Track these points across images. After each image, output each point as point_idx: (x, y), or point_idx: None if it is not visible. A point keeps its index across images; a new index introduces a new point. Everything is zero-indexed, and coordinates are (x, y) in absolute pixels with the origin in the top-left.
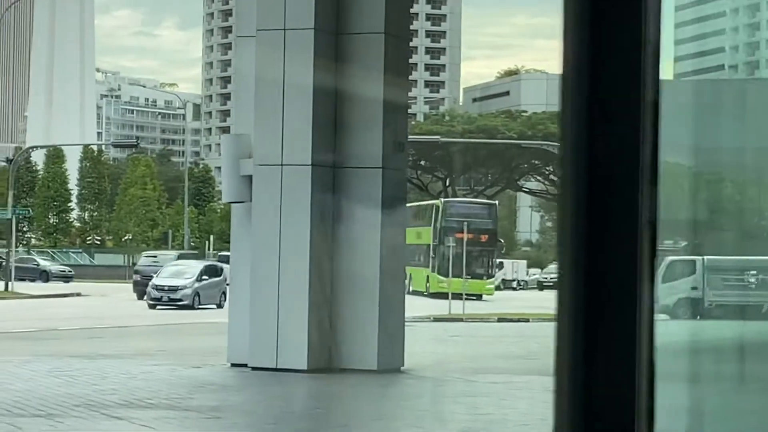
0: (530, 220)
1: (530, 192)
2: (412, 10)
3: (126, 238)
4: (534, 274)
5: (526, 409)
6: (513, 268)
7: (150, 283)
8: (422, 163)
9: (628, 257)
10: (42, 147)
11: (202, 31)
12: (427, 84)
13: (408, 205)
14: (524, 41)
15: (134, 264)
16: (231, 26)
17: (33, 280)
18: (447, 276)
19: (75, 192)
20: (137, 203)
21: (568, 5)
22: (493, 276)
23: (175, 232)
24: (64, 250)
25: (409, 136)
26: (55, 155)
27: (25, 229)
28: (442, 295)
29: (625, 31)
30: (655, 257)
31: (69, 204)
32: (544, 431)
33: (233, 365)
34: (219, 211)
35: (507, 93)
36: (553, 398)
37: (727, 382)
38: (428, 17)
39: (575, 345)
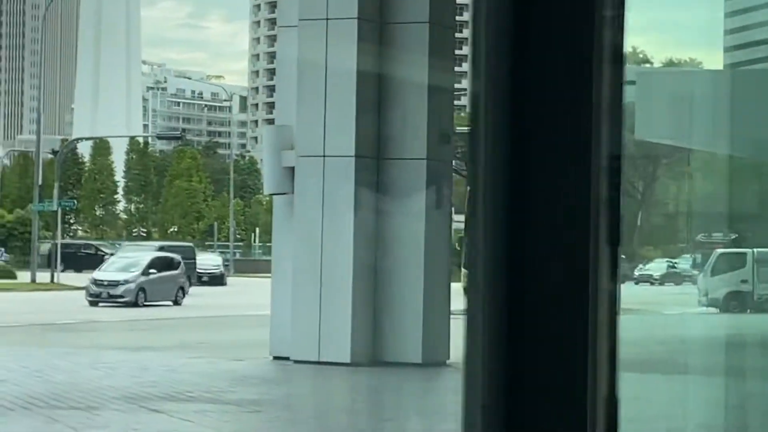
0: None
1: None
2: (460, 1)
3: (171, 230)
4: None
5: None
6: None
7: (90, 277)
8: None
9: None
10: (88, 139)
11: (249, 22)
12: None
13: None
14: None
15: None
16: (277, 18)
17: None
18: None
19: (121, 184)
20: (183, 195)
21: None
22: None
23: (221, 225)
24: (111, 242)
25: (457, 128)
26: (102, 147)
27: (71, 221)
28: None
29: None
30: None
31: (115, 196)
32: None
33: (275, 358)
34: (264, 203)
35: None
36: (463, 402)
37: None
38: None
39: (499, 345)
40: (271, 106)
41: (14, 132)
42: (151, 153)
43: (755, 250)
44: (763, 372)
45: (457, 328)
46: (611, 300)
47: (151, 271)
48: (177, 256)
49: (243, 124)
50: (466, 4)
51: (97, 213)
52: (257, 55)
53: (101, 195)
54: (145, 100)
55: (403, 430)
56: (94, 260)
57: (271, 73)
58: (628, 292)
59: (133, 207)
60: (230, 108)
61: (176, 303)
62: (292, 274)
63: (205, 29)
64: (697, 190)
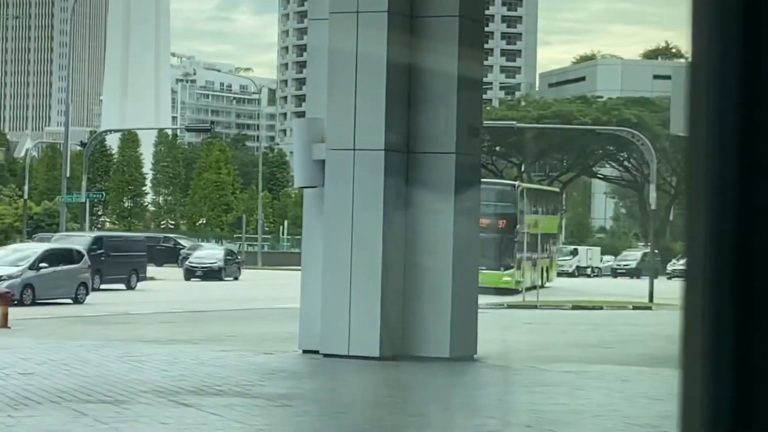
0: (604, 206)
1: (605, 178)
2: None
3: (200, 222)
4: (608, 261)
5: (600, 399)
6: (587, 255)
7: None
8: (497, 148)
9: None
10: (116, 131)
11: (278, 15)
12: (502, 69)
13: None
14: (601, 26)
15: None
16: (307, 10)
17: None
18: None
19: (149, 176)
20: (211, 188)
21: None
22: (512, 267)
23: (249, 217)
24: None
25: (484, 122)
26: (130, 139)
27: (99, 212)
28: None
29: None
30: None
31: (143, 188)
32: (619, 422)
33: (305, 352)
34: (293, 196)
35: (583, 78)
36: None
37: None
38: (504, 2)
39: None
40: (299, 98)
41: (43, 124)
42: (179, 145)
43: None
44: None
45: (486, 323)
46: None
47: (42, 265)
48: (80, 248)
49: (271, 116)
50: None
51: (125, 205)
52: (286, 48)
53: (129, 187)
54: (173, 92)
55: (432, 425)
56: (173, 253)
57: (300, 65)
58: (662, 287)
59: (161, 199)
60: (259, 100)
61: (77, 301)
62: (321, 268)
63: (234, 21)
64: None
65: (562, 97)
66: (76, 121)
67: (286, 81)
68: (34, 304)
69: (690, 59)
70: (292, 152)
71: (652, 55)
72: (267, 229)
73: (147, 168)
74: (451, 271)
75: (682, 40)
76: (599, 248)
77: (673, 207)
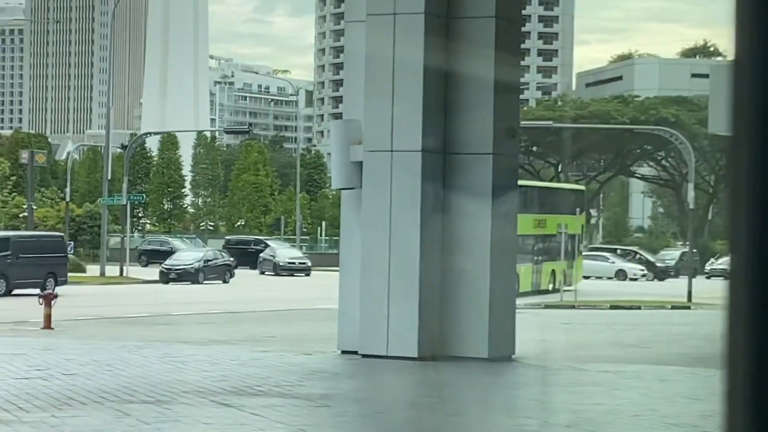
0: (642, 206)
1: (642, 177)
2: None
3: (239, 223)
4: None
5: (638, 399)
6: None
7: None
8: (534, 148)
9: None
10: (156, 133)
11: (315, 17)
12: (539, 69)
13: None
14: (638, 25)
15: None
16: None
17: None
18: None
19: (189, 178)
20: (250, 189)
21: None
22: None
23: (287, 218)
24: (178, 235)
25: (521, 122)
26: (170, 141)
27: (140, 214)
28: None
29: None
30: None
31: (183, 190)
32: (657, 423)
33: (344, 352)
34: (331, 197)
35: (620, 78)
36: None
37: None
38: (541, 2)
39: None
40: (336, 100)
41: (84, 127)
42: (218, 147)
43: None
44: None
45: (523, 323)
46: None
47: None
48: None
49: (309, 118)
50: None
51: (165, 207)
52: (323, 50)
53: (169, 189)
54: (212, 94)
55: (470, 425)
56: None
57: (337, 67)
58: (700, 287)
59: (200, 201)
60: (296, 102)
61: None
62: (360, 269)
63: (271, 24)
64: None
65: (600, 97)
66: (117, 123)
67: (323, 83)
68: None
69: (732, 57)
70: (329, 154)
71: (689, 53)
72: (305, 230)
73: (186, 170)
74: (489, 271)
75: (720, 38)
76: (637, 248)
77: (711, 206)
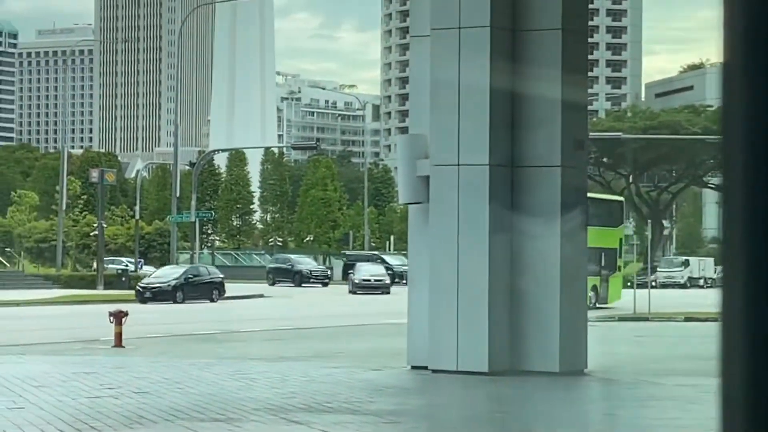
0: (716, 216)
1: (716, 188)
2: (591, 6)
3: (307, 239)
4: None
5: (714, 413)
6: (699, 265)
7: None
8: (604, 160)
9: None
10: (224, 150)
11: (381, 32)
12: (608, 80)
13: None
14: (708, 34)
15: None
16: (409, 27)
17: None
18: None
19: (257, 194)
20: (318, 204)
21: None
22: None
23: (356, 233)
24: (247, 251)
25: (591, 133)
26: (237, 158)
27: (209, 231)
28: None
29: None
30: None
31: (251, 206)
32: None
33: (413, 368)
34: (399, 211)
35: (691, 87)
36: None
37: None
38: (609, 12)
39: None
40: (403, 114)
41: (152, 145)
42: (286, 163)
43: None
44: None
45: (596, 336)
46: None
47: None
48: None
49: (376, 132)
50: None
51: (234, 223)
52: (389, 64)
53: (237, 205)
54: (279, 110)
55: None
56: (288, 273)
57: (403, 81)
58: None
59: (268, 216)
60: (363, 117)
61: None
62: (428, 283)
63: (337, 39)
64: None
65: (670, 107)
66: (185, 141)
67: (389, 97)
68: None
69: (721, 61)
70: (396, 168)
71: None
72: (373, 244)
73: (254, 186)
74: (560, 283)
75: None
76: (712, 259)
77: None
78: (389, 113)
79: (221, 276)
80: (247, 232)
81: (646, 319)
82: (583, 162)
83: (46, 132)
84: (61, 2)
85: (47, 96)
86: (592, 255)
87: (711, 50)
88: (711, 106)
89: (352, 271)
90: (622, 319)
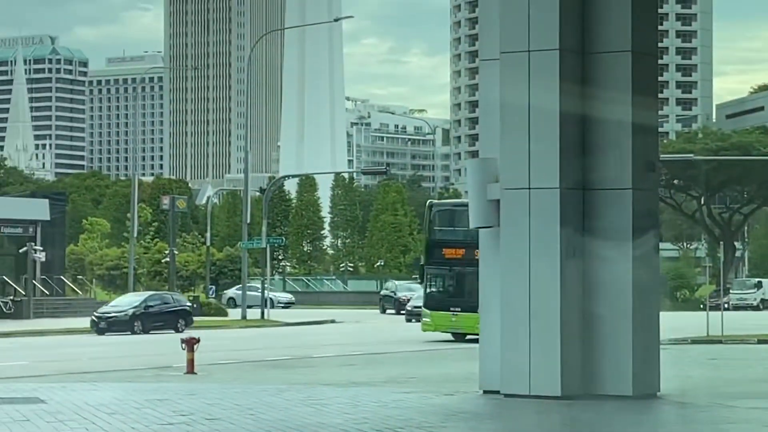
0: None
1: None
2: (661, 28)
3: (378, 264)
4: None
5: None
6: None
7: None
8: (675, 182)
9: None
10: (294, 176)
11: (450, 56)
12: (678, 101)
13: None
14: None
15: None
16: (478, 51)
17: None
18: (433, 309)
19: (327, 219)
20: (389, 229)
21: None
22: None
23: None
24: (318, 277)
25: (662, 155)
26: (308, 183)
27: (280, 257)
28: None
29: None
30: None
31: (322, 231)
32: None
33: (485, 392)
34: None
35: (762, 108)
36: None
37: None
38: (678, 34)
39: None
40: (473, 138)
41: (223, 171)
42: (356, 188)
43: None
44: None
45: (669, 359)
46: None
47: None
48: None
49: (446, 156)
50: (666, 31)
51: (305, 248)
52: (458, 88)
53: (308, 231)
54: (349, 135)
55: None
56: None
57: (473, 105)
58: None
59: (339, 242)
60: (433, 141)
61: None
62: (500, 307)
63: (406, 64)
64: None
65: (741, 128)
66: (255, 167)
67: (459, 121)
68: None
69: None
70: (467, 192)
71: None
72: None
73: (325, 211)
74: (632, 306)
75: None
76: None
77: None
78: (459, 137)
79: (188, 304)
80: (318, 257)
81: (719, 342)
82: (654, 184)
83: (117, 159)
84: (131, 30)
85: (117, 124)
86: None
87: None
88: None
89: (392, 291)
90: (694, 341)
